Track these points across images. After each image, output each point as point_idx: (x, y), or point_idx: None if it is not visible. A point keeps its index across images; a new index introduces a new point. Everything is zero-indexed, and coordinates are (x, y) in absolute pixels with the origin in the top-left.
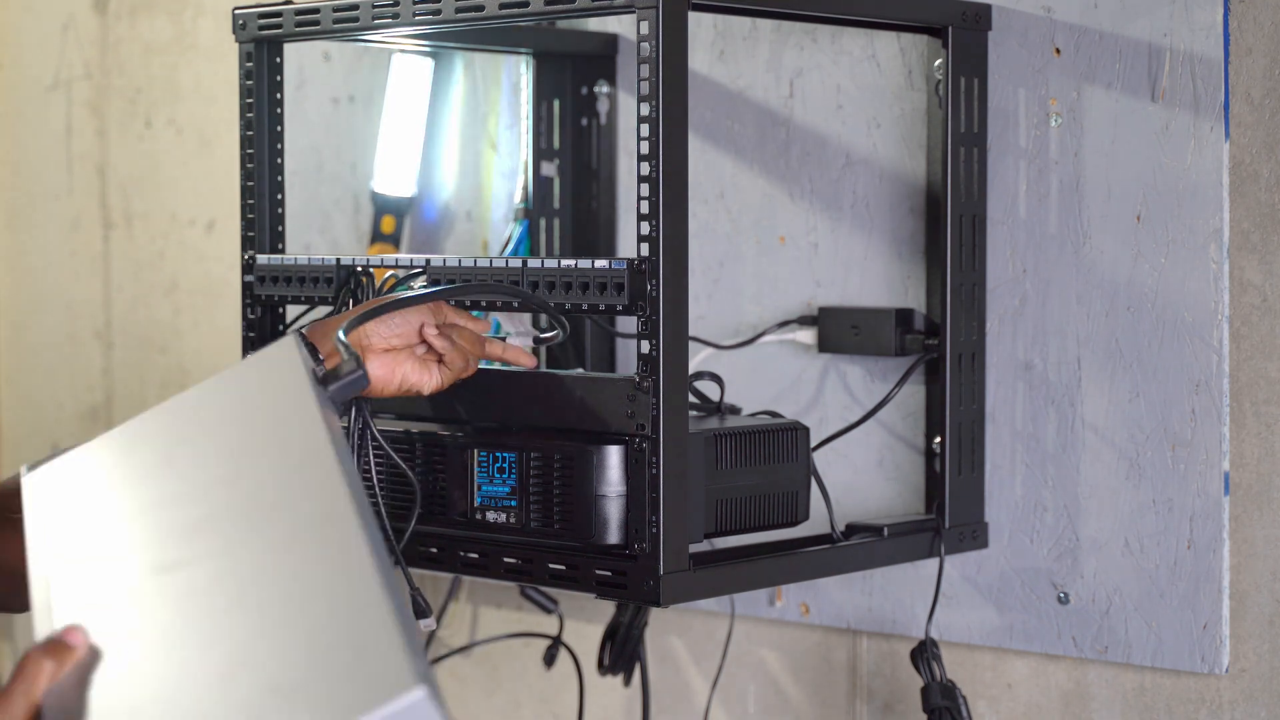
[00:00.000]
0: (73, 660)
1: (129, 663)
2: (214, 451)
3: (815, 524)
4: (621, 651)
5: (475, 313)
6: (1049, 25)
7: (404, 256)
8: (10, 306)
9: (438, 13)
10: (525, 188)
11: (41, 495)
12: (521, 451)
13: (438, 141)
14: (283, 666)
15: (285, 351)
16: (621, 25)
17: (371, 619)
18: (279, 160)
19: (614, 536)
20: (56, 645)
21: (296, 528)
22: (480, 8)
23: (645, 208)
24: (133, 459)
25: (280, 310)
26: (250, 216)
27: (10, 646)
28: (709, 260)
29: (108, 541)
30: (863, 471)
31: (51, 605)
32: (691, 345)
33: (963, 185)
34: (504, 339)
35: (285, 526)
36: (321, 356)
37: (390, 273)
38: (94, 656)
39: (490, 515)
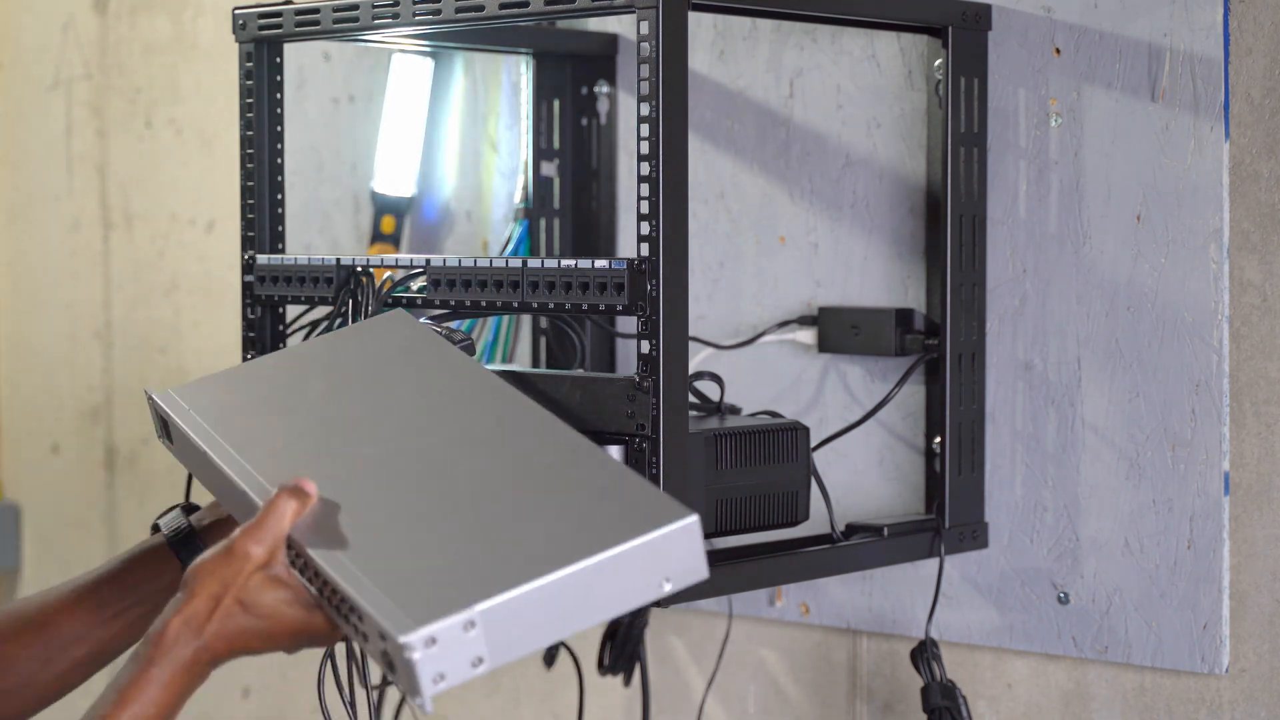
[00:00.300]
0: (310, 504)
1: (379, 504)
2: (376, 367)
3: (815, 524)
4: (621, 651)
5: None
6: (1049, 25)
7: (404, 256)
8: (10, 306)
9: (438, 13)
10: (525, 188)
11: (188, 403)
12: None
13: (438, 141)
14: (560, 505)
15: (399, 318)
16: (621, 25)
17: (627, 475)
18: (279, 160)
19: None
20: (298, 490)
21: (509, 416)
22: (480, 8)
23: (645, 208)
24: (285, 377)
25: (280, 310)
26: (250, 216)
27: None
28: (709, 260)
29: (298, 428)
30: (863, 471)
31: (252, 471)
32: (691, 345)
33: (963, 185)
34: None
35: (495, 415)
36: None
37: (389, 274)
38: (329, 506)
39: None
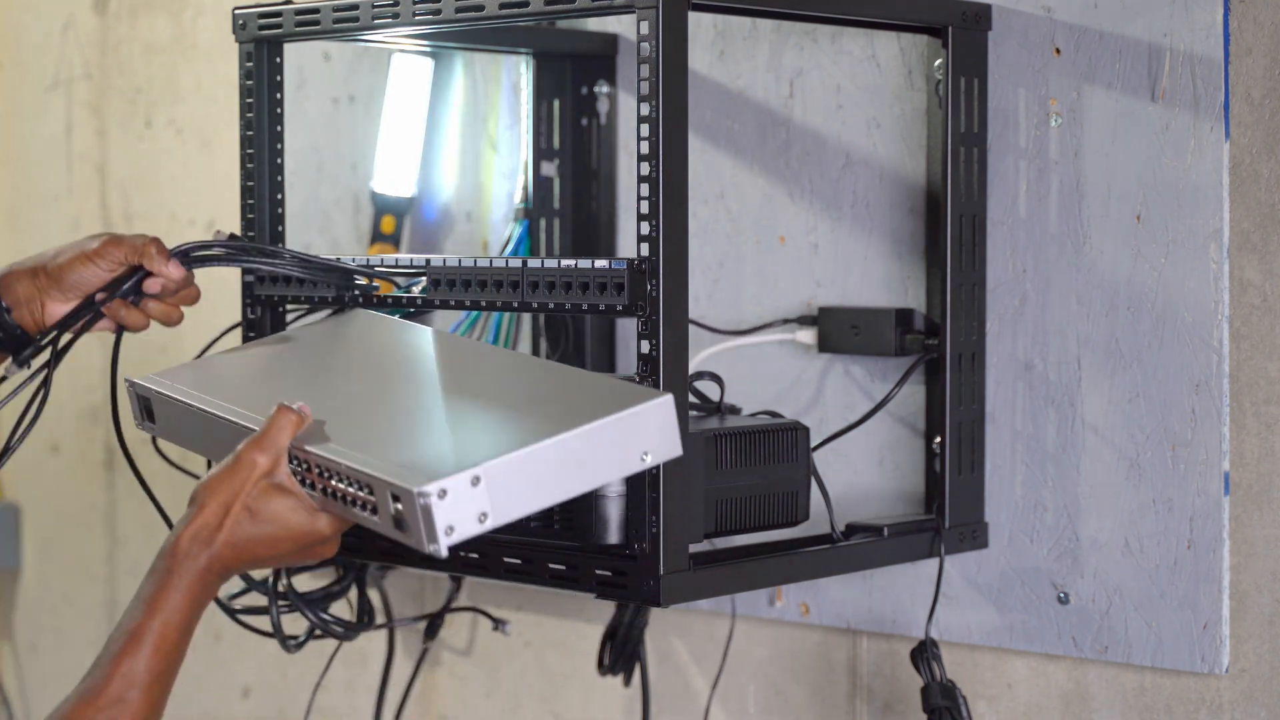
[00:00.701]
0: (307, 424)
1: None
2: (347, 337)
3: (815, 524)
4: (621, 651)
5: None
6: (1049, 25)
7: (404, 256)
8: None
9: (438, 13)
10: (525, 188)
11: (169, 379)
12: None
13: (438, 141)
14: (553, 403)
15: (359, 311)
16: (621, 25)
17: (604, 377)
18: (279, 160)
19: (614, 536)
20: (296, 412)
21: (490, 353)
22: (480, 8)
23: (645, 208)
24: (258, 352)
25: (280, 310)
26: (250, 216)
27: (10, 646)
28: (709, 260)
29: (288, 380)
30: (863, 471)
31: (244, 411)
32: (692, 342)
33: (963, 185)
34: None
35: (475, 353)
36: (5, 304)
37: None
38: (324, 422)
39: None
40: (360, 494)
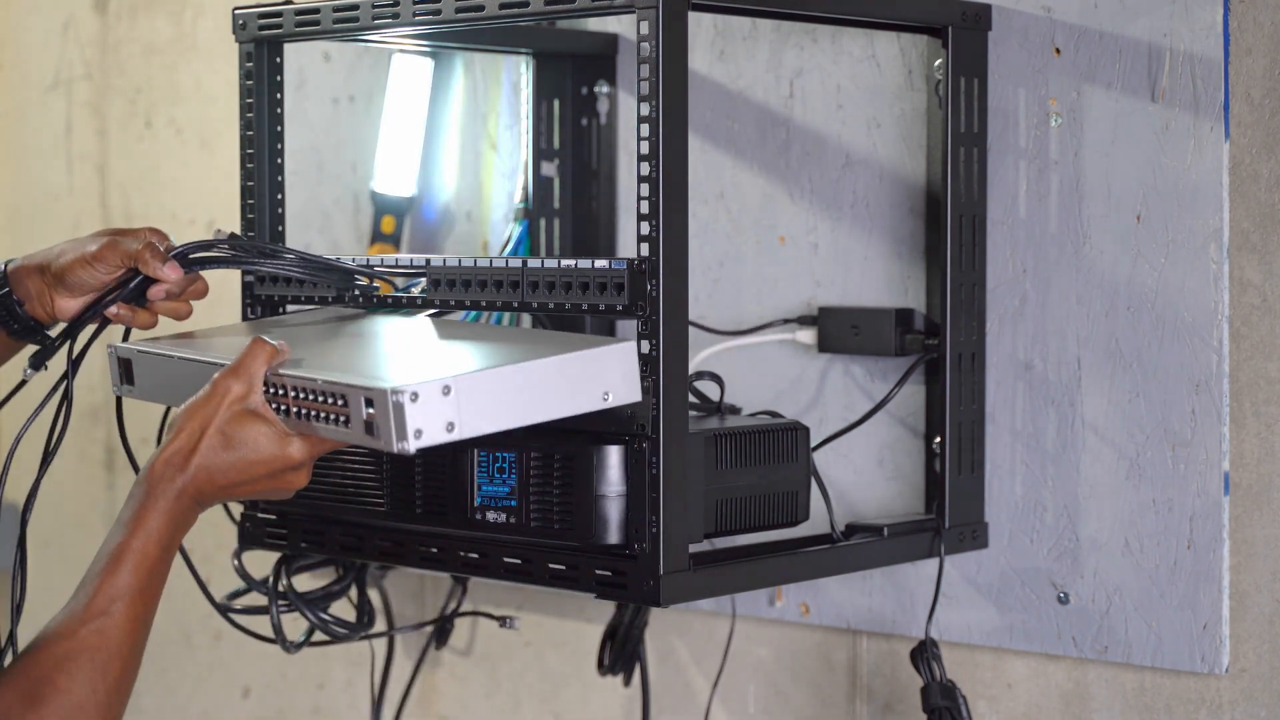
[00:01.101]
0: (285, 356)
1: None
2: (322, 315)
3: (815, 524)
4: (621, 651)
5: (473, 314)
6: (1049, 25)
7: (404, 256)
8: None
9: (438, 13)
10: (525, 188)
11: (150, 342)
12: (521, 451)
13: (438, 141)
14: (533, 349)
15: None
16: (621, 25)
17: (573, 334)
18: (279, 160)
19: (614, 536)
20: (271, 343)
21: (464, 323)
22: (480, 8)
23: (645, 208)
24: (237, 327)
25: (280, 310)
26: (250, 216)
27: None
28: (709, 260)
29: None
30: (863, 471)
31: (219, 357)
32: (692, 342)
33: (963, 185)
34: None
35: (451, 320)
36: (17, 298)
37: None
38: (295, 359)
39: (490, 515)
40: (333, 407)
